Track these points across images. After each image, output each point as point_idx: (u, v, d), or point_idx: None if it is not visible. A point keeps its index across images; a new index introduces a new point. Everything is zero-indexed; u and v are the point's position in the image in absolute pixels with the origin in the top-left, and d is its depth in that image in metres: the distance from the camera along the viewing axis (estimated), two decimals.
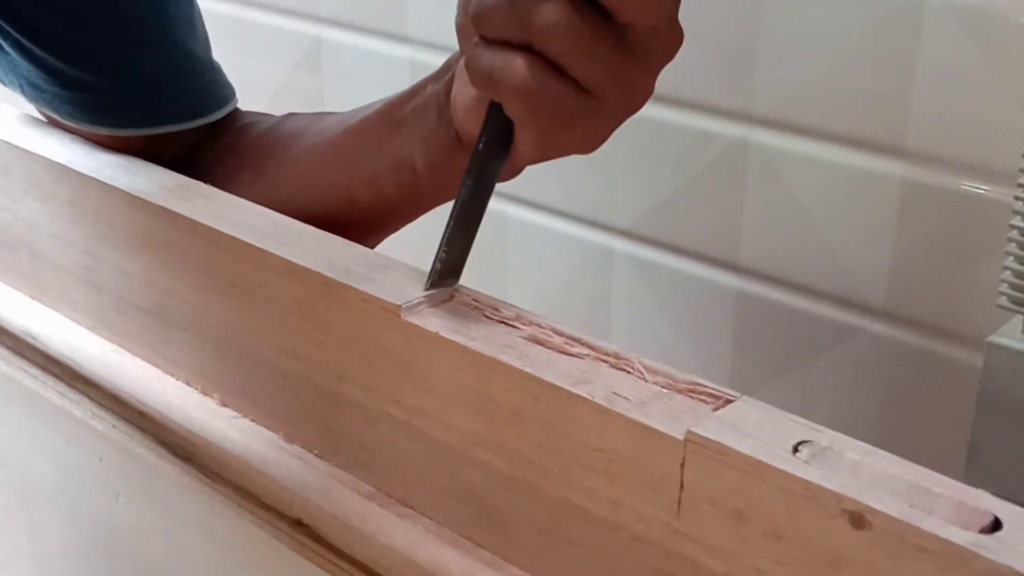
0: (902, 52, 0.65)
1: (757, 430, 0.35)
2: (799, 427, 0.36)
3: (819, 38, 0.69)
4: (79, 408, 0.58)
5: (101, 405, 0.58)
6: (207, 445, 0.52)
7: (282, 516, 0.49)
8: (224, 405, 0.52)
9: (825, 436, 0.35)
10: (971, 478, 0.55)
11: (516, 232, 0.86)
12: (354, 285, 0.44)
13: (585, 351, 0.41)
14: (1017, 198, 0.54)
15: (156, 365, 0.56)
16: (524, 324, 0.43)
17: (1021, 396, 0.52)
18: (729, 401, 0.37)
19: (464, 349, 0.41)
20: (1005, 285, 0.55)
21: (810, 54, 0.69)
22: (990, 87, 0.63)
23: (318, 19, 0.96)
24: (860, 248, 0.70)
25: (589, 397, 0.37)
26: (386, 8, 0.91)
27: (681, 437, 0.35)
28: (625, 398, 0.37)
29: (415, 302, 0.43)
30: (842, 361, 0.73)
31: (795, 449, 0.34)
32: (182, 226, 0.51)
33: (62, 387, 0.59)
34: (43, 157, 0.57)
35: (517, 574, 0.41)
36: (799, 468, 0.33)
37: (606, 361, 0.40)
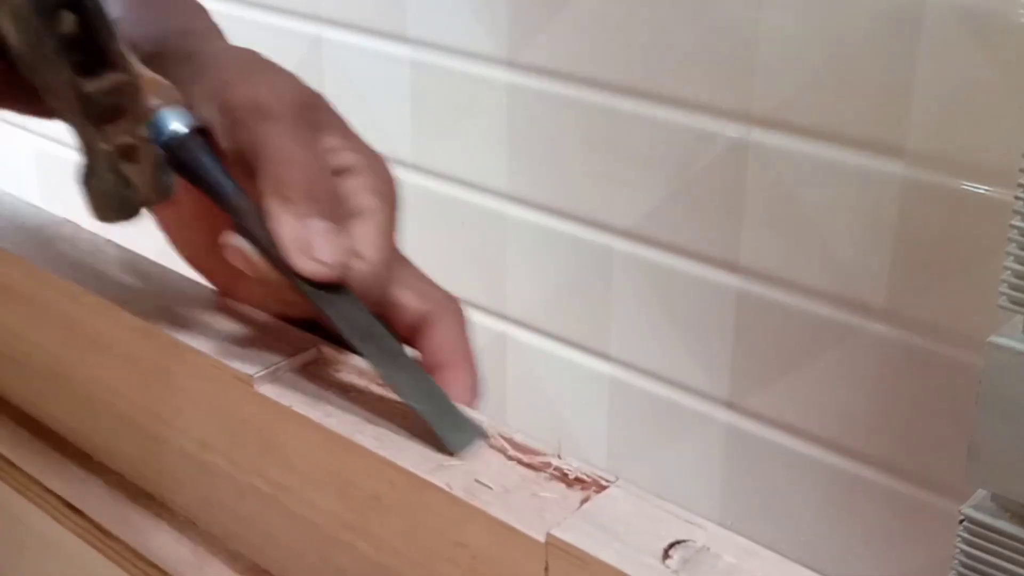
0: (902, 52, 0.65)
1: (627, 528, 0.32)
2: (674, 522, 0.32)
3: (819, 38, 0.68)
4: None
5: None
6: (90, 502, 0.49)
7: None
8: (102, 465, 0.50)
9: (702, 533, 0.32)
10: (972, 478, 0.55)
11: (516, 232, 0.86)
12: (205, 350, 0.41)
13: None
14: (1017, 198, 0.53)
15: (34, 417, 0.53)
16: (391, 391, 0.40)
17: (1022, 396, 0.52)
18: (603, 487, 0.34)
19: (318, 427, 0.38)
20: (1005, 285, 0.55)
21: (810, 54, 0.69)
22: (990, 87, 0.63)
23: (318, 19, 0.96)
24: (860, 248, 0.70)
25: (446, 488, 0.34)
26: (386, 8, 0.91)
27: (543, 539, 0.32)
28: (487, 486, 0.34)
29: (271, 369, 0.40)
30: (842, 361, 0.73)
31: (666, 553, 0.31)
32: (40, 279, 0.48)
33: None
34: None
35: None
36: None
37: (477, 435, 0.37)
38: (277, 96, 0.44)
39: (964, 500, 0.56)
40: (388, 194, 0.44)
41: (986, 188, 0.65)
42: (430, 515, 0.35)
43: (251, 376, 0.40)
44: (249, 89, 0.44)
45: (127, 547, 0.49)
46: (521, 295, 0.88)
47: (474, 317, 0.88)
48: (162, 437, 0.46)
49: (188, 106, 0.46)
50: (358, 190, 0.43)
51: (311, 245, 0.39)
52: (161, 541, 0.47)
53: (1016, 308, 0.54)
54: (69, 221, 0.52)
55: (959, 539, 0.55)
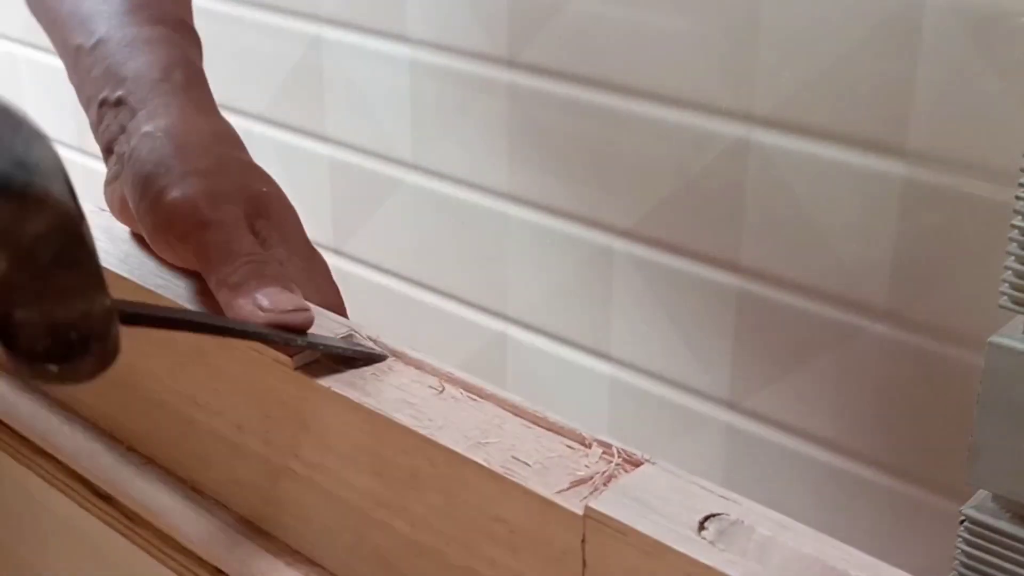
0: (902, 52, 0.65)
1: (662, 502, 0.33)
2: (709, 497, 0.33)
3: (819, 38, 0.68)
4: None
5: (8, 446, 0.56)
6: (121, 489, 0.50)
7: (201, 563, 0.47)
8: (132, 450, 0.50)
9: (736, 508, 0.33)
10: (972, 479, 0.54)
11: (516, 232, 0.86)
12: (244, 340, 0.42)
13: (488, 405, 0.38)
14: (1018, 198, 0.53)
15: (67, 407, 0.54)
16: (427, 373, 0.40)
17: (1022, 396, 0.52)
18: (638, 464, 0.35)
19: (357, 406, 0.38)
20: (1006, 285, 0.55)
21: (810, 54, 0.69)
22: (991, 87, 0.63)
23: (318, 19, 0.96)
24: (861, 248, 0.70)
25: (485, 464, 0.35)
26: (386, 8, 0.91)
27: (580, 512, 0.33)
28: (525, 463, 0.35)
29: (310, 351, 0.40)
30: (842, 361, 0.73)
31: (701, 526, 0.32)
32: None
33: None
34: None
35: None
36: (703, 551, 0.31)
37: (510, 414, 0.38)
38: (204, 202, 0.45)
39: (964, 500, 0.56)
40: (331, 300, 0.47)
41: (987, 188, 0.65)
42: (468, 491, 0.36)
43: (291, 358, 0.41)
44: (176, 199, 0.45)
45: (156, 532, 0.49)
46: (521, 295, 0.88)
47: (474, 317, 0.88)
48: (196, 420, 0.46)
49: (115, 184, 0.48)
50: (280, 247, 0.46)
51: (269, 305, 0.42)
52: (192, 525, 0.47)
53: (1016, 308, 0.53)
54: (104, 211, 0.53)
55: (959, 539, 0.55)
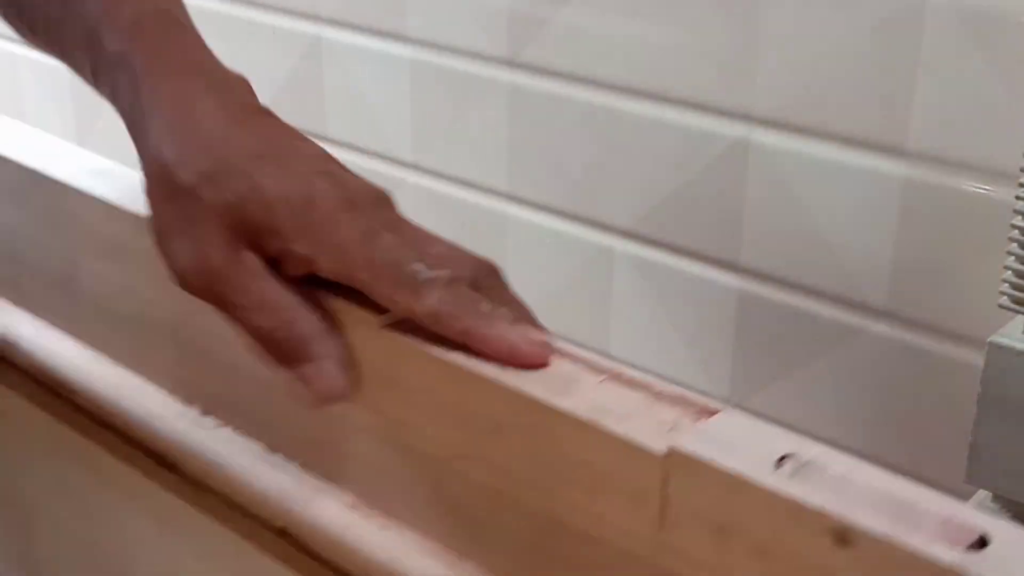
0: (903, 52, 0.65)
1: (741, 443, 0.35)
2: (784, 439, 0.35)
3: (819, 38, 0.68)
4: (55, 417, 0.57)
5: (79, 413, 0.57)
6: (190, 454, 0.51)
7: (266, 525, 0.49)
8: (207, 414, 0.52)
9: (810, 449, 0.34)
10: (972, 478, 0.55)
11: (516, 232, 0.86)
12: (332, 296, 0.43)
13: (568, 361, 0.40)
14: (1018, 198, 0.53)
15: (138, 373, 0.55)
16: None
17: (1022, 396, 0.52)
18: (714, 412, 0.37)
19: (444, 362, 0.40)
20: (1006, 285, 0.55)
21: (810, 54, 0.69)
22: (991, 87, 0.63)
23: (318, 19, 0.96)
24: (861, 248, 0.70)
25: (571, 410, 0.37)
26: (386, 8, 0.91)
27: (664, 452, 0.34)
28: (608, 410, 0.37)
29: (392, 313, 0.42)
30: (842, 361, 0.73)
31: (779, 463, 0.33)
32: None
33: (40, 396, 0.58)
34: (19, 163, 0.56)
35: None
36: (782, 484, 0.32)
37: (589, 370, 0.40)
38: (312, 189, 0.42)
39: (964, 500, 0.56)
40: (364, 202, 0.43)
41: (987, 188, 0.65)
42: (552, 439, 0.38)
43: (378, 317, 0.42)
44: (275, 190, 0.41)
45: (222, 498, 0.50)
46: (521, 294, 0.88)
47: None
48: (273, 382, 0.46)
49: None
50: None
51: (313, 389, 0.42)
52: (263, 485, 0.48)
53: (1016, 308, 0.54)
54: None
55: None
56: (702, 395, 0.38)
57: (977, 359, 0.55)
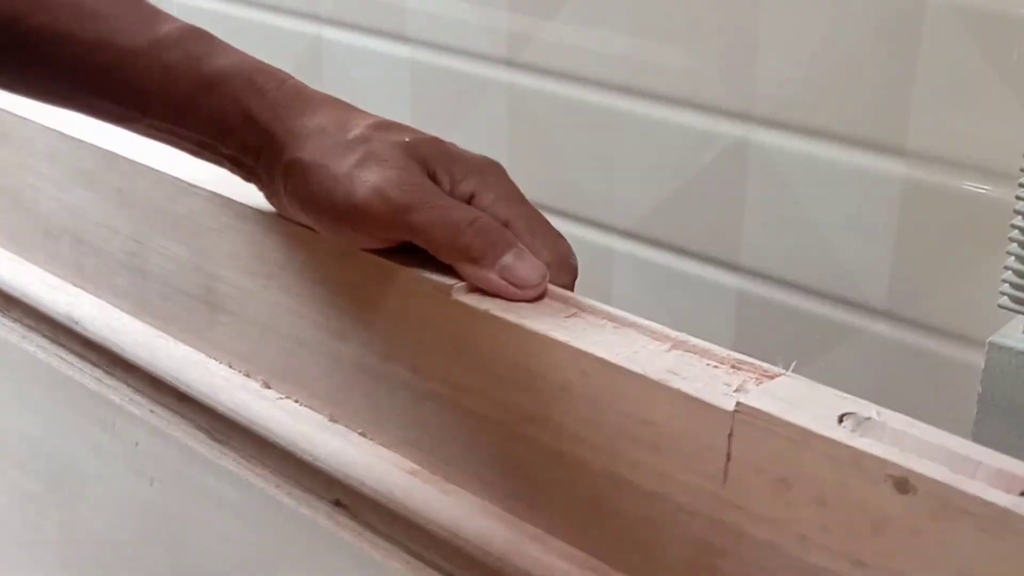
0: (902, 52, 0.65)
1: (804, 402, 0.36)
2: (844, 400, 0.37)
3: (819, 38, 0.68)
4: (116, 393, 0.59)
5: (139, 391, 0.58)
6: (249, 427, 0.52)
7: (320, 497, 0.50)
8: (267, 387, 0.53)
9: (869, 408, 0.37)
10: None
11: None
12: (406, 266, 0.45)
13: (633, 332, 0.42)
14: (1018, 198, 0.54)
15: (199, 349, 0.56)
16: (573, 305, 0.45)
17: (1022, 396, 0.52)
18: (776, 376, 0.39)
19: (515, 327, 0.42)
20: (1006, 285, 0.55)
21: (810, 54, 0.69)
22: (990, 87, 0.63)
23: (318, 19, 0.96)
24: (860, 248, 0.70)
25: (640, 371, 0.38)
26: (386, 8, 0.91)
27: (731, 408, 0.36)
28: (674, 373, 0.38)
29: (465, 283, 0.44)
30: (842, 361, 0.73)
31: (840, 420, 0.35)
32: (234, 212, 0.51)
33: (99, 373, 0.60)
34: (92, 145, 0.58)
35: (562, 547, 0.42)
36: (845, 436, 0.34)
37: (650, 339, 0.42)
38: (393, 176, 0.45)
39: None
40: (512, 190, 0.48)
41: (987, 188, 0.65)
42: (619, 400, 0.39)
43: (450, 287, 0.43)
44: (363, 180, 0.45)
45: (275, 468, 0.51)
46: None
47: None
48: (340, 354, 0.49)
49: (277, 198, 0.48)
50: (497, 207, 0.47)
51: (516, 279, 0.44)
52: (325, 450, 0.49)
53: (1016, 308, 0.54)
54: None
55: None
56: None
57: (977, 359, 0.55)
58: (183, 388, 0.55)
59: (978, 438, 0.53)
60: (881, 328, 0.71)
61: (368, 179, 0.45)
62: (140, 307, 0.58)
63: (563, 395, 0.41)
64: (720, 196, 0.75)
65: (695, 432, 0.37)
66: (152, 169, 0.55)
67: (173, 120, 0.48)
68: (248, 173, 0.49)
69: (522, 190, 0.48)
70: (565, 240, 0.49)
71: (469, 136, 0.88)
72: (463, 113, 0.88)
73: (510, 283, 0.44)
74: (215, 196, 0.52)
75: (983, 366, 0.54)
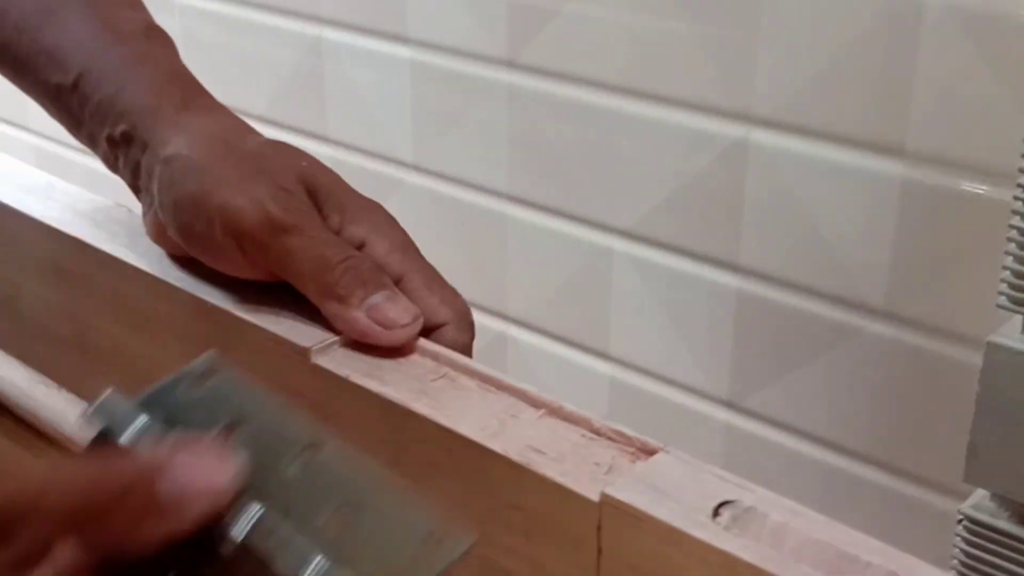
0: (902, 52, 0.65)
1: (677, 489, 0.33)
2: (723, 484, 0.34)
3: (819, 38, 0.69)
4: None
5: (22, 435, 0.56)
6: None
7: None
8: None
9: (749, 495, 0.33)
10: (971, 478, 0.55)
11: (516, 232, 0.86)
12: (262, 325, 0.42)
13: (505, 396, 0.39)
14: (1017, 198, 0.54)
15: (81, 396, 0.53)
16: (444, 363, 0.41)
17: (1021, 396, 0.52)
18: (652, 452, 0.36)
19: (376, 396, 0.39)
20: (1005, 285, 0.55)
21: (810, 54, 0.69)
22: (990, 87, 0.63)
23: (318, 19, 0.96)
24: (860, 248, 0.70)
25: (503, 453, 0.36)
26: (386, 8, 0.91)
27: (597, 498, 0.33)
28: (541, 451, 0.36)
29: (327, 343, 0.41)
30: (841, 361, 0.73)
31: (716, 512, 0.32)
32: (93, 258, 0.49)
33: None
34: None
35: None
36: (718, 536, 0.31)
37: (524, 404, 0.38)
38: (280, 195, 0.44)
39: (963, 499, 0.56)
40: (406, 241, 0.46)
41: (986, 188, 0.65)
42: (485, 480, 0.37)
43: (308, 348, 0.41)
44: (246, 190, 0.44)
45: None
46: (521, 295, 0.88)
47: (474, 317, 0.88)
48: None
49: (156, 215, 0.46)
50: (391, 259, 0.45)
51: (384, 319, 0.41)
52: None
53: (1016, 308, 0.54)
54: (123, 206, 0.52)
55: (959, 539, 0.55)
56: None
57: (976, 359, 0.55)
58: (63, 438, 0.53)
59: (977, 438, 0.53)
60: (880, 328, 0.71)
61: (252, 191, 0.43)
62: (20, 351, 0.56)
63: (431, 471, 0.38)
64: (719, 196, 0.76)
65: (564, 521, 0.34)
66: (14, 210, 0.52)
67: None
68: (119, 157, 0.47)
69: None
70: (462, 297, 0.47)
71: (469, 136, 0.88)
72: (463, 113, 0.88)
73: (376, 323, 0.41)
74: (75, 241, 0.50)
75: (982, 366, 0.54)
